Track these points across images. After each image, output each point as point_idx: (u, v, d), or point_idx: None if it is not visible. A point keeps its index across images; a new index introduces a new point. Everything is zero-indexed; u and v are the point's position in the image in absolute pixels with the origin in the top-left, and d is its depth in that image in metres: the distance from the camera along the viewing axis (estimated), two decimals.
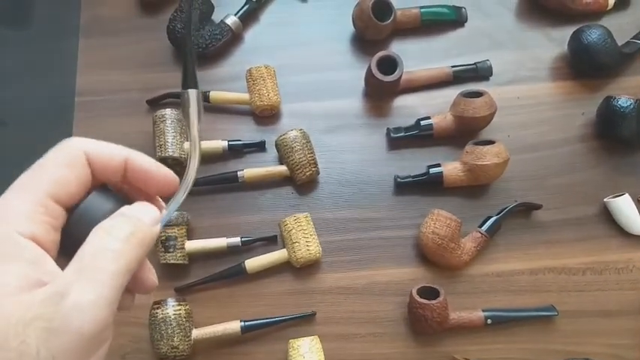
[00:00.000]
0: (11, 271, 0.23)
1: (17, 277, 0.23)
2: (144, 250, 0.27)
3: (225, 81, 0.77)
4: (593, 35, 0.73)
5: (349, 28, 0.80)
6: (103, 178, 0.29)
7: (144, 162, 0.30)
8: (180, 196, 0.31)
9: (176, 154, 0.68)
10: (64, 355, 0.22)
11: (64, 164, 0.27)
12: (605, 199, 0.70)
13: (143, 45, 0.80)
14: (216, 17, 0.79)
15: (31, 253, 0.24)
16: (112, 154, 0.29)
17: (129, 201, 0.30)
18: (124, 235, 0.25)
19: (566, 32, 0.77)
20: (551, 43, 0.79)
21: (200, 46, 0.75)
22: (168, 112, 0.70)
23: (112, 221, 0.26)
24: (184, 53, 0.34)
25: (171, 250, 0.65)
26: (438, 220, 0.65)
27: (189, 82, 0.33)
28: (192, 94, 0.33)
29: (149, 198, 0.31)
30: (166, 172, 0.30)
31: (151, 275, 0.30)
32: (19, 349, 0.22)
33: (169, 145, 0.69)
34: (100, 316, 0.23)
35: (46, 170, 0.26)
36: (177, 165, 0.70)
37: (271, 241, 0.70)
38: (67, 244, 0.27)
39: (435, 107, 0.76)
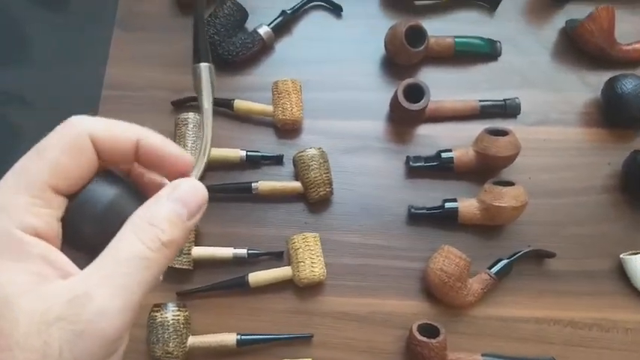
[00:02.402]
0: (22, 268, 0.23)
1: (30, 273, 0.23)
2: (173, 257, 0.26)
3: (251, 90, 0.77)
4: (628, 85, 0.71)
5: (380, 50, 0.79)
6: (112, 162, 0.28)
7: (157, 142, 0.28)
8: (197, 175, 0.30)
9: None
10: (85, 357, 0.22)
11: (67, 150, 0.25)
12: (621, 256, 0.68)
13: (175, 45, 0.80)
14: (249, 25, 0.79)
15: (37, 249, 0.24)
16: (122, 135, 0.27)
17: (135, 186, 0.29)
18: (156, 245, 0.25)
19: (602, 78, 0.75)
20: (586, 87, 0.78)
21: (230, 53, 0.75)
22: (191, 117, 0.71)
23: (145, 228, 0.25)
24: (195, 27, 0.33)
25: (177, 254, 0.65)
26: (447, 257, 0.64)
27: (201, 56, 0.32)
28: (205, 68, 0.32)
29: (157, 183, 0.30)
30: (181, 152, 0.29)
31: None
32: (42, 349, 0.22)
33: (189, 149, 0.69)
34: (125, 322, 0.24)
35: (46, 157, 0.25)
36: None
37: (277, 257, 0.69)
38: (69, 234, 0.26)
39: (458, 140, 0.74)
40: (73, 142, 0.25)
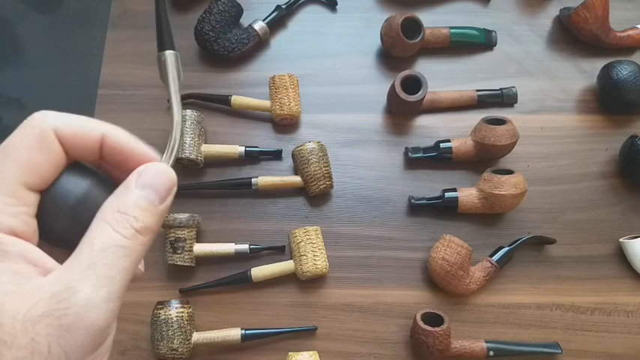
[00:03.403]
0: (1, 268, 0.23)
1: (10, 273, 0.23)
2: (149, 243, 0.26)
3: (248, 86, 0.77)
4: (623, 71, 0.72)
5: (376, 43, 0.79)
6: (78, 157, 0.27)
7: (122, 138, 0.28)
8: (170, 162, 0.29)
9: (192, 156, 0.68)
10: (75, 350, 0.23)
11: (33, 146, 0.25)
12: (620, 240, 0.69)
13: None
14: (244, 21, 0.79)
15: (15, 247, 0.24)
16: (86, 130, 0.27)
17: (107, 177, 0.29)
18: (130, 233, 0.25)
19: (597, 65, 0.76)
20: (581, 75, 0.78)
21: (226, 49, 0.75)
22: (189, 113, 0.71)
23: (117, 217, 0.25)
24: (157, 13, 0.32)
25: (179, 251, 0.65)
26: (449, 246, 0.65)
27: (165, 43, 0.31)
28: (170, 55, 0.31)
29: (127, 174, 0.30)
30: (145, 150, 0.28)
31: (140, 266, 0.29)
32: (30, 346, 0.22)
33: (187, 146, 0.69)
34: (111, 311, 0.24)
35: (14, 155, 0.24)
36: (193, 166, 0.70)
37: (279, 251, 0.69)
38: (44, 230, 0.26)
39: (456, 130, 0.75)
40: (38, 138, 0.25)
